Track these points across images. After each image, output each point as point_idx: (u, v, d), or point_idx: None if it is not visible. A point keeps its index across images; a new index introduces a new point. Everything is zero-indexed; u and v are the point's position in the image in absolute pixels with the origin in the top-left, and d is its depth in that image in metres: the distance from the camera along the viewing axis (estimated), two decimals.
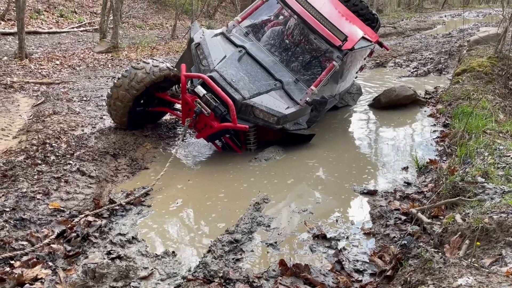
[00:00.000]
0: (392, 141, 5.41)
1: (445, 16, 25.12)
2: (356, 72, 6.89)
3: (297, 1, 5.38)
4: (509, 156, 3.78)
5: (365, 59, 6.82)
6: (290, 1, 5.44)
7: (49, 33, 14.50)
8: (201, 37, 5.18)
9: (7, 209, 3.39)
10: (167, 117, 6.15)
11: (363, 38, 5.83)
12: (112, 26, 12.65)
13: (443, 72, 9.00)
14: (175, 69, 5.30)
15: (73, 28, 15.64)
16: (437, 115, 6.11)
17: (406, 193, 3.81)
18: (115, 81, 5.12)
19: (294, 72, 5.41)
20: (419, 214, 2.94)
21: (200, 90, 4.66)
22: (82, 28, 15.97)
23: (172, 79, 5.24)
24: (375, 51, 7.43)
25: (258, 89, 4.94)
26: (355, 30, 5.77)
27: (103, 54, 11.20)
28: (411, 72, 9.27)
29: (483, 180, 3.11)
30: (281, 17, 5.98)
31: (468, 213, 2.73)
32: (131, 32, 17.25)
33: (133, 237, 3.32)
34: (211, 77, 4.70)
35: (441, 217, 3.03)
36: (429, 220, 2.86)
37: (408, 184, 4.06)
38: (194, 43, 5.11)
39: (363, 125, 6.16)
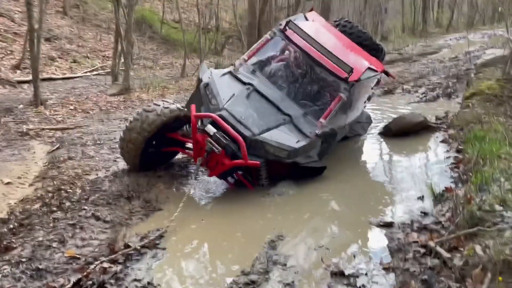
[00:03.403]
0: (406, 169, 5.35)
1: (450, 40, 25.24)
2: (365, 102, 6.92)
3: (301, 37, 5.48)
4: None
5: (372, 88, 6.87)
6: (294, 37, 5.55)
7: (63, 78, 14.94)
8: (209, 77, 5.28)
9: (24, 260, 3.42)
10: (179, 156, 6.20)
11: (369, 68, 5.88)
12: (123, 68, 13.00)
13: (452, 96, 8.98)
14: (185, 109, 5.41)
15: (86, 72, 16.11)
16: (449, 141, 6.05)
17: (424, 223, 3.73)
18: (127, 124, 5.24)
19: (302, 105, 5.45)
20: (438, 248, 2.87)
21: (210, 129, 4.72)
22: (95, 72, 16.43)
23: (182, 119, 5.34)
24: (382, 80, 7.47)
25: (268, 124, 4.98)
26: (360, 61, 5.83)
27: (116, 97, 11.46)
28: (420, 98, 9.27)
29: (501, 208, 3.05)
30: (287, 52, 6.09)
31: (488, 245, 2.66)
32: (142, 73, 17.67)
33: (148, 283, 3.29)
34: (220, 116, 4.77)
35: (461, 249, 2.95)
36: (449, 255, 2.79)
37: (425, 214, 3.98)
38: (203, 83, 5.22)
39: (375, 154, 6.13)
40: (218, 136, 4.67)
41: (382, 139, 6.69)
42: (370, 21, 28.40)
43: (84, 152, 6.17)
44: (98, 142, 6.77)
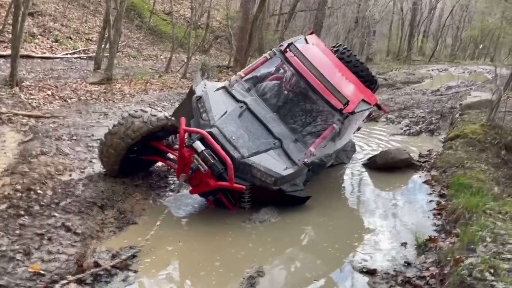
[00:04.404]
0: (389, 210, 5.30)
1: (432, 70, 25.83)
2: (354, 133, 6.88)
3: (301, 61, 5.37)
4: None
5: (363, 121, 6.84)
6: (294, 61, 5.43)
7: (42, 58, 14.32)
8: (203, 90, 5.09)
9: None
10: (158, 164, 5.95)
11: (363, 101, 5.84)
12: (107, 55, 12.54)
13: (435, 133, 9.08)
14: (173, 118, 5.19)
15: (66, 54, 15.52)
16: (432, 183, 6.06)
17: (408, 276, 3.65)
18: (110, 128, 4.96)
19: (293, 130, 5.33)
20: None
21: (199, 146, 4.52)
22: (76, 55, 15.85)
23: (169, 129, 5.12)
24: (373, 112, 7.47)
25: (257, 147, 4.83)
26: (356, 93, 5.78)
27: (96, 86, 11.03)
28: (404, 131, 9.34)
29: (492, 278, 2.99)
30: (284, 73, 5.96)
31: None
32: (125, 62, 17.23)
33: None
34: (210, 133, 4.58)
35: None
36: None
37: (408, 264, 3.90)
38: (196, 96, 5.02)
39: (359, 188, 6.06)
40: (205, 154, 4.48)
41: (366, 172, 6.64)
42: (358, 41, 28.72)
43: (58, 148, 5.82)
44: (75, 137, 6.42)
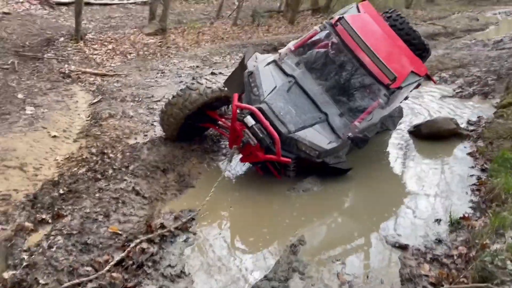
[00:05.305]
0: (429, 182, 5.50)
1: (499, 14, 23.97)
2: (401, 102, 6.93)
3: (351, 36, 5.47)
4: None
5: (411, 91, 6.85)
6: (343, 34, 5.53)
7: (100, 4, 14.94)
8: (254, 65, 5.38)
9: (74, 232, 3.83)
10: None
11: (412, 72, 5.88)
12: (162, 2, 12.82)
13: (489, 96, 8.83)
14: (225, 87, 5.58)
15: (122, 1, 16.01)
16: (476, 155, 6.15)
17: (436, 254, 4.00)
18: (170, 98, 5.47)
19: (339, 103, 5.55)
20: None
21: (249, 121, 4.91)
22: (132, 0, 16.35)
23: (222, 100, 5.55)
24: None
25: (304, 122, 5.15)
26: (405, 66, 5.81)
27: (152, 37, 11.50)
28: (456, 92, 9.14)
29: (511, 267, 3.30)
30: (333, 45, 6.05)
31: None
32: (177, 7, 17.47)
33: (181, 271, 3.70)
34: (260, 109, 4.93)
35: None
36: None
37: (439, 241, 4.23)
38: (247, 71, 5.33)
39: (402, 159, 6.25)
40: (255, 128, 4.87)
41: (411, 140, 6.78)
42: None
43: (124, 111, 6.43)
44: (137, 99, 7.01)
